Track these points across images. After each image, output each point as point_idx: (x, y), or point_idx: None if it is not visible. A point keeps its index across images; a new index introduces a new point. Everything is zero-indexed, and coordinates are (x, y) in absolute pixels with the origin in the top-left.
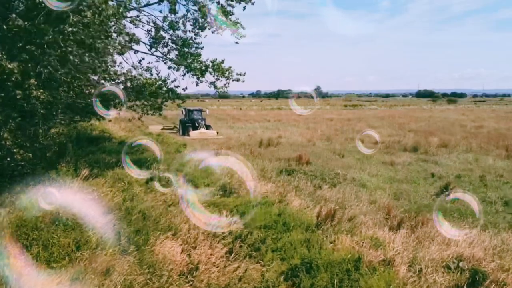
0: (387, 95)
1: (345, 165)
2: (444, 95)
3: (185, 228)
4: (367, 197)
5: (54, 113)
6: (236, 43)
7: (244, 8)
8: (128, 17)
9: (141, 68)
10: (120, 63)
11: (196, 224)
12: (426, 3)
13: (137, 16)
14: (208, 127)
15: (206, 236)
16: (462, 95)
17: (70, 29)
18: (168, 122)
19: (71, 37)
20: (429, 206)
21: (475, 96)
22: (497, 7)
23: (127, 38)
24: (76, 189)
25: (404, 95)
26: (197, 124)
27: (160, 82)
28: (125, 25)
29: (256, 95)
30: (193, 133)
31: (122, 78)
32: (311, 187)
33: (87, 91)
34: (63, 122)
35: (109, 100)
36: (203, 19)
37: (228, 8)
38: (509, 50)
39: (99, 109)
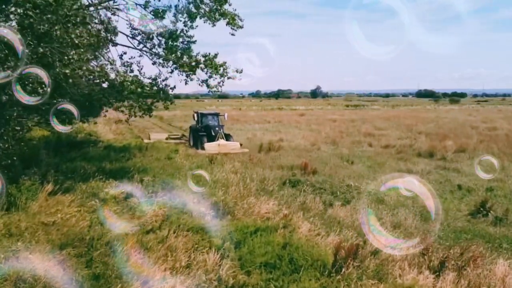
0: (387, 95)
1: (356, 174)
2: (445, 95)
3: (159, 274)
4: (389, 218)
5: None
6: (232, 35)
7: None
8: (103, 3)
9: (122, 65)
10: (100, 58)
11: (175, 265)
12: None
13: (115, 1)
14: (228, 136)
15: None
16: (462, 95)
17: (18, 10)
18: (165, 124)
19: (16, 20)
20: (467, 231)
21: (475, 96)
22: (497, 7)
23: (100, 27)
24: (34, 211)
25: (404, 95)
26: (213, 133)
27: (150, 80)
28: (99, 13)
29: (256, 95)
30: (209, 146)
31: (97, 75)
32: (320, 204)
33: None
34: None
35: (65, 115)
36: (194, 5)
37: None
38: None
39: (56, 124)
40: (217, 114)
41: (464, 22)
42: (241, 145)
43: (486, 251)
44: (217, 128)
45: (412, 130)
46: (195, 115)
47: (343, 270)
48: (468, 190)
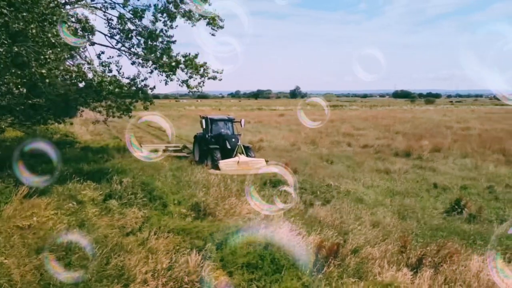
0: (365, 95)
1: (335, 173)
2: (420, 95)
3: (140, 277)
4: (368, 217)
5: None
6: (213, 35)
7: None
8: (80, 2)
9: (100, 64)
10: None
11: (156, 268)
12: (402, 5)
13: (92, 0)
14: (248, 150)
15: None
16: (437, 96)
17: None
18: (143, 125)
19: None
20: (443, 228)
21: (449, 96)
22: (469, 10)
23: (78, 26)
24: (9, 214)
25: (382, 96)
26: (229, 146)
27: (128, 80)
28: (76, 11)
29: (236, 95)
30: (225, 164)
31: (74, 75)
32: (300, 203)
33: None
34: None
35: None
36: (173, 4)
37: None
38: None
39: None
40: (231, 120)
41: (439, 24)
42: (267, 161)
43: (461, 248)
44: (233, 140)
45: (389, 130)
46: (203, 121)
47: (324, 269)
48: (444, 189)
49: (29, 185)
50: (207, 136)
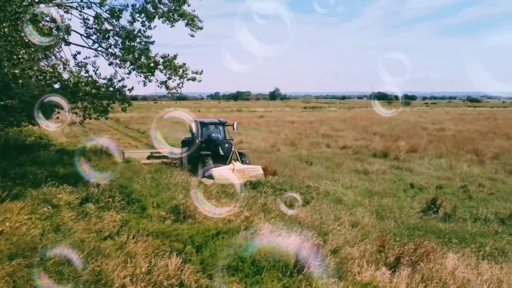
0: (343, 97)
1: (315, 174)
2: (397, 97)
3: (118, 282)
4: (347, 217)
5: None
6: (192, 36)
7: None
8: (54, 1)
9: (76, 65)
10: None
11: (135, 272)
12: (378, 8)
13: None
14: (242, 156)
15: None
16: (413, 97)
17: None
18: (121, 127)
19: None
20: (420, 227)
21: (425, 98)
22: (444, 14)
23: (52, 25)
24: None
25: (360, 97)
26: (222, 152)
27: (105, 81)
28: (51, 10)
29: (215, 96)
30: (219, 172)
31: (48, 76)
32: (281, 204)
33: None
34: None
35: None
36: (151, 5)
37: None
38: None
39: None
40: (223, 124)
41: (414, 27)
42: (264, 169)
43: (437, 246)
44: (227, 145)
45: (367, 131)
46: (193, 124)
47: (305, 269)
48: (420, 189)
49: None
50: (198, 141)
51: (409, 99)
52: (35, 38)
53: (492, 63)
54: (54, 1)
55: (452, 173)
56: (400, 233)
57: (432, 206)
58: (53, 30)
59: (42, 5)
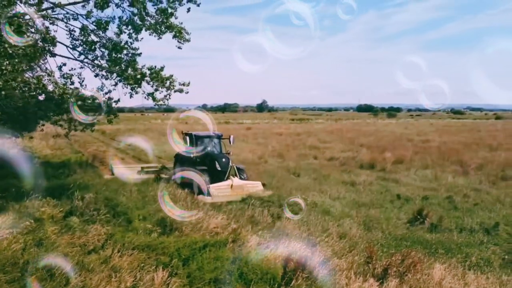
0: (330, 109)
1: (302, 186)
2: (383, 109)
3: None
4: (335, 229)
5: None
6: (179, 48)
7: (188, 10)
8: (40, 12)
9: (61, 76)
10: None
11: (120, 287)
12: (363, 22)
13: (53, 10)
14: (240, 172)
15: None
16: (398, 109)
17: None
18: (107, 139)
19: None
20: (407, 238)
21: (410, 110)
22: (425, 29)
23: (37, 37)
24: None
25: (346, 109)
26: (219, 167)
27: (91, 93)
28: (36, 21)
29: (203, 108)
30: (217, 189)
31: (33, 87)
32: (268, 217)
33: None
34: None
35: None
36: (138, 17)
37: (170, 10)
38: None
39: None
40: (219, 137)
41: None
42: (263, 185)
43: (424, 257)
44: (224, 159)
45: (354, 143)
46: (187, 138)
47: (293, 282)
48: (407, 199)
49: None
50: (192, 156)
51: (394, 111)
52: (12, 38)
53: (473, 75)
54: (39, 13)
55: (438, 184)
56: (387, 244)
57: (418, 216)
58: (39, 42)
59: (27, 17)
